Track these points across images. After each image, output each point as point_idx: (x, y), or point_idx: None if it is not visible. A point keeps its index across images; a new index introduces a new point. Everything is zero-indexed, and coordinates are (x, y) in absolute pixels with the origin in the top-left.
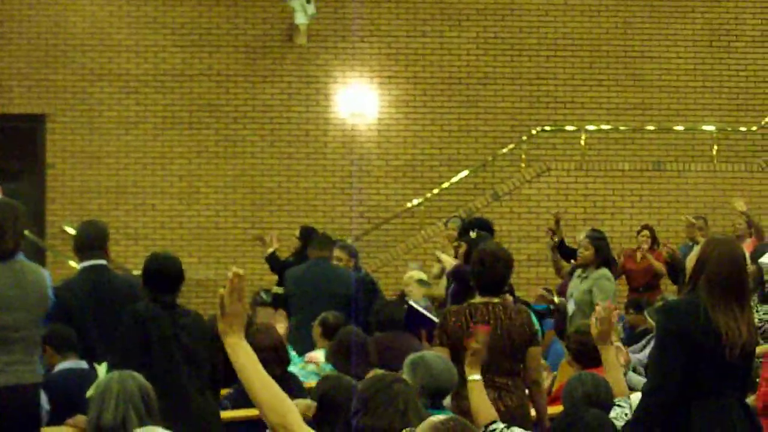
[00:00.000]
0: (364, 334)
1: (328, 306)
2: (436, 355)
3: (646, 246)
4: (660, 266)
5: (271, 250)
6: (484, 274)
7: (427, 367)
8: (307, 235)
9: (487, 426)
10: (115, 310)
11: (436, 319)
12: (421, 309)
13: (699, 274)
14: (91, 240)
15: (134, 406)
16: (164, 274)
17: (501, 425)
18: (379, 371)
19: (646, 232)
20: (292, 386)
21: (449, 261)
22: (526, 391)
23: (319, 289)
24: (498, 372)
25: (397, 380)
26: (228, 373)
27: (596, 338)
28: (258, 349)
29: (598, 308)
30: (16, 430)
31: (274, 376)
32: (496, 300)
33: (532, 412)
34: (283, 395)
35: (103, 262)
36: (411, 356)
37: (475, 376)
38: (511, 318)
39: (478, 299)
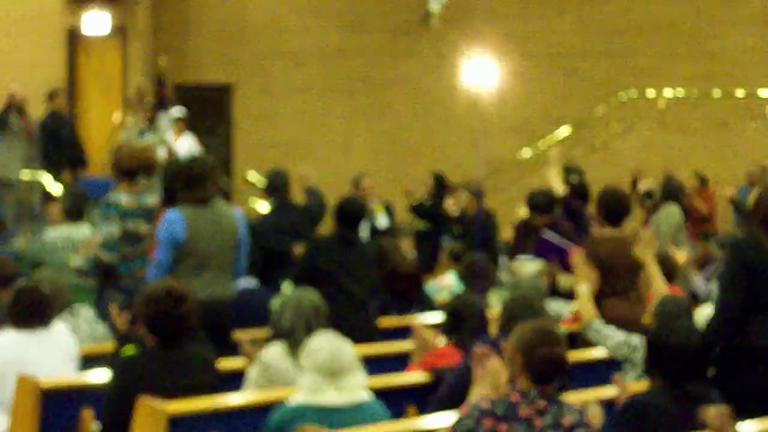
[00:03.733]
0: (486, 258)
1: None
2: (529, 278)
3: (691, 188)
4: (704, 207)
5: (412, 201)
6: (612, 209)
7: (518, 287)
8: (439, 180)
9: (589, 322)
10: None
11: (567, 243)
12: (552, 240)
13: (756, 215)
14: (278, 183)
15: (305, 316)
16: (348, 214)
17: (599, 323)
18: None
19: (693, 177)
20: (427, 302)
21: (556, 180)
22: None
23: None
24: (630, 288)
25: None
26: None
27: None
28: (400, 275)
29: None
30: (215, 339)
31: (415, 298)
32: (620, 231)
33: None
34: None
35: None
36: (510, 279)
37: (582, 287)
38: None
39: (608, 229)
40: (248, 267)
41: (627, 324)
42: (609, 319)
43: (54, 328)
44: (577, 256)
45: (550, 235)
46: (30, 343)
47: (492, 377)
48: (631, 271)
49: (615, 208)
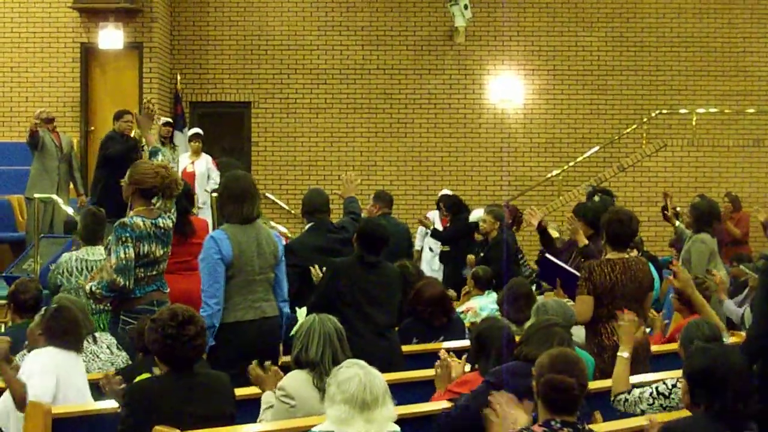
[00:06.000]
0: (528, 284)
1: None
2: (556, 301)
3: (725, 210)
4: (735, 231)
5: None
6: (620, 231)
7: (545, 310)
8: (452, 201)
9: (617, 395)
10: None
11: (571, 269)
12: (556, 261)
13: None
14: (316, 203)
15: (331, 345)
16: (371, 237)
17: (624, 395)
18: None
19: (726, 198)
20: (458, 329)
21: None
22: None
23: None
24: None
25: (556, 324)
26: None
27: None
28: (425, 301)
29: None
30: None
31: (441, 325)
32: (626, 255)
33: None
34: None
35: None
36: (536, 303)
37: (624, 354)
38: (641, 269)
39: (612, 254)
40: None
41: None
42: (605, 345)
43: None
44: (627, 318)
45: (552, 258)
46: (69, 363)
47: (508, 425)
48: (633, 297)
49: (620, 232)
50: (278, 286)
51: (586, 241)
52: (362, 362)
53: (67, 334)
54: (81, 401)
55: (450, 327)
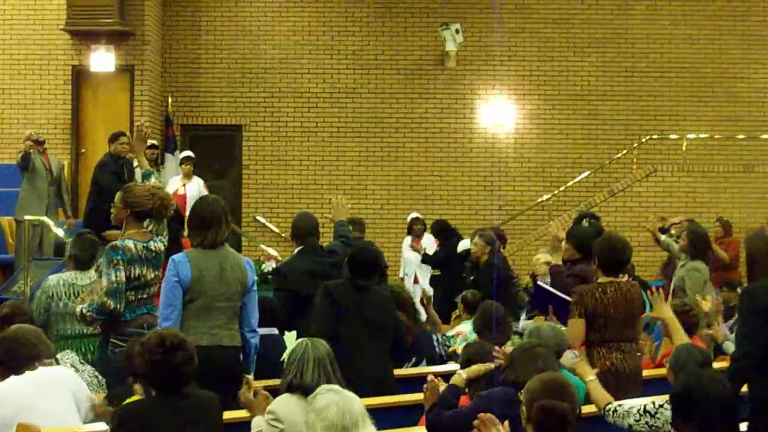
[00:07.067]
0: (502, 307)
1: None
2: (549, 325)
3: (714, 236)
4: (723, 255)
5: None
6: (613, 256)
7: (539, 334)
8: (440, 228)
9: (605, 406)
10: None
11: (562, 295)
12: (548, 287)
13: (754, 264)
14: (305, 227)
15: (324, 369)
16: (363, 262)
17: (614, 404)
18: (516, 339)
19: (717, 223)
20: (425, 343)
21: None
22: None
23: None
24: (622, 339)
25: (538, 345)
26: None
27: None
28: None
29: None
30: (217, 386)
31: (407, 347)
32: (618, 279)
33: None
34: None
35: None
36: (530, 327)
37: (590, 377)
38: (632, 293)
39: (604, 278)
40: (273, 313)
41: (615, 374)
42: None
43: (49, 370)
44: (580, 354)
45: (544, 284)
46: (26, 388)
47: None
48: (625, 321)
49: (612, 257)
50: (246, 316)
51: (560, 262)
52: (337, 387)
53: (12, 359)
54: (49, 423)
55: (416, 346)
